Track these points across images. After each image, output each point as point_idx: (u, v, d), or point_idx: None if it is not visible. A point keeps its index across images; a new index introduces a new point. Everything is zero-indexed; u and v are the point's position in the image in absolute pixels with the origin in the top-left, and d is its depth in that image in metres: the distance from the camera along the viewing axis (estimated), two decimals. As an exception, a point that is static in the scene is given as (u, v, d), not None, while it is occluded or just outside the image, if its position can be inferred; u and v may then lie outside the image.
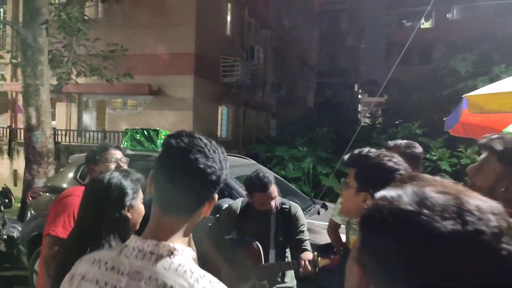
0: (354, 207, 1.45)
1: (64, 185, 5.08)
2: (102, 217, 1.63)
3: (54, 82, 8.75)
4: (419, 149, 2.44)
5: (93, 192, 1.74)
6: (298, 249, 2.68)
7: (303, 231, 2.74)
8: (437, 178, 0.63)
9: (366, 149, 1.48)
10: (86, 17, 9.41)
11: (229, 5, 15.67)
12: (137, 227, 1.71)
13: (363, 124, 13.84)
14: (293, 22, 23.45)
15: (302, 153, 9.42)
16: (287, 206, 2.77)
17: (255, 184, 2.55)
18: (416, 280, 0.52)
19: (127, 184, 1.70)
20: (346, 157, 1.54)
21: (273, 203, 2.62)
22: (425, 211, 0.53)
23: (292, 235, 2.72)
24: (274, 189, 2.61)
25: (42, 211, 4.71)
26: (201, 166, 0.97)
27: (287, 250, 2.81)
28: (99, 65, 9.40)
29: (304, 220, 2.82)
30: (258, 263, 2.53)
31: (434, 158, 8.63)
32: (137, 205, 1.70)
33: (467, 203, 0.53)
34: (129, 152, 4.82)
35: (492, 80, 9.72)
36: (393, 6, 30.42)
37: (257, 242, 2.56)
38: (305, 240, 2.71)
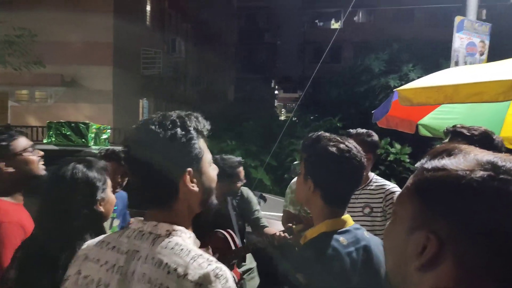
0: (302, 194, 1.40)
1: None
2: (71, 217, 1.46)
3: None
4: (376, 137, 2.64)
5: (55, 191, 1.52)
6: (257, 227, 2.80)
7: (257, 210, 2.88)
8: (474, 148, 0.68)
9: (317, 134, 1.41)
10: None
11: (148, -5, 15.09)
12: (109, 216, 1.61)
13: (284, 118, 14.35)
14: (213, 17, 23.35)
15: (231, 147, 9.50)
16: (239, 191, 2.88)
17: (225, 171, 2.53)
18: (501, 238, 0.57)
19: (94, 176, 1.54)
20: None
21: (240, 183, 2.73)
22: (503, 176, 0.58)
23: (247, 216, 2.82)
24: (242, 169, 2.73)
25: None
26: (159, 138, 0.98)
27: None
28: (3, 52, 8.35)
29: (256, 200, 2.97)
30: (229, 249, 2.51)
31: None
32: (107, 195, 1.58)
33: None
34: (54, 148, 4.41)
35: (401, 77, 10.88)
36: (307, 6, 31.90)
37: (220, 230, 2.54)
38: (261, 218, 2.85)
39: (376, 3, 26.47)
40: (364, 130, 2.65)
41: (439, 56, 9.77)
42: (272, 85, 42.25)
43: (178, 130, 0.99)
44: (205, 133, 1.06)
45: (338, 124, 10.06)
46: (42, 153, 1.94)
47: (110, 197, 1.60)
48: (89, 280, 1.00)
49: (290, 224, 2.55)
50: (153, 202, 1.03)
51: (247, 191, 2.94)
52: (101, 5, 11.90)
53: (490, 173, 0.59)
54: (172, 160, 0.99)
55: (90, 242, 1.08)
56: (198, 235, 1.08)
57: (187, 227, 1.03)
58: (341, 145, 1.32)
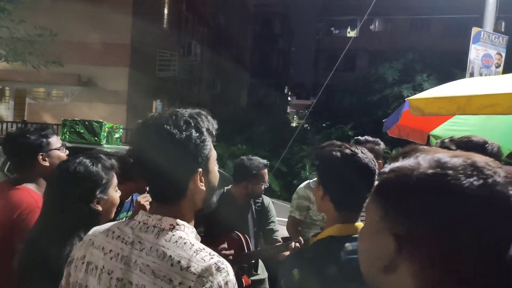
0: (317, 200, 1.42)
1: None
2: (64, 209, 1.48)
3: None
4: (383, 146, 2.66)
5: (55, 181, 1.56)
6: (269, 239, 2.77)
7: (274, 222, 2.85)
8: (433, 148, 0.69)
9: (362, 140, 1.50)
10: (9, -4, 8.53)
11: (166, -2, 15.30)
12: (109, 217, 1.59)
13: (295, 125, 14.34)
14: (229, 21, 23.54)
15: (241, 151, 9.52)
16: (260, 198, 2.86)
17: (250, 172, 2.56)
18: (452, 233, 0.57)
19: (96, 172, 1.53)
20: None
21: (264, 185, 2.73)
22: (450, 172, 0.59)
23: (263, 225, 2.80)
24: (266, 172, 2.73)
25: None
26: (174, 139, 0.99)
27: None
28: (24, 50, 8.56)
29: (274, 211, 2.92)
30: (241, 252, 2.53)
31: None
32: (109, 195, 1.57)
33: (478, 162, 0.60)
34: (68, 144, 4.50)
35: (415, 87, 10.80)
36: (323, 14, 31.91)
37: (236, 232, 2.56)
38: (276, 231, 2.82)
39: (393, 12, 26.36)
40: (372, 139, 2.67)
41: (454, 67, 9.68)
42: (285, 91, 42.29)
43: (193, 132, 1.01)
44: (214, 133, 1.08)
45: (350, 132, 10.03)
46: (67, 152, 2.07)
47: (112, 197, 1.59)
48: (93, 266, 1.04)
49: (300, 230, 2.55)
50: (162, 198, 1.06)
51: (268, 201, 2.93)
52: (120, 7, 12.12)
53: (434, 170, 0.60)
54: (185, 160, 1.02)
55: (97, 228, 1.12)
56: (214, 231, 1.10)
57: (189, 222, 1.06)
58: (346, 150, 1.34)
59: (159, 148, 1.00)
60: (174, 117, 1.03)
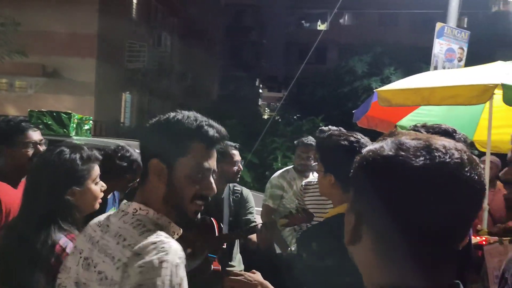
0: (324, 189, 1.59)
1: None
2: (37, 199, 1.49)
3: None
4: None
5: (32, 171, 1.59)
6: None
7: (252, 213, 2.90)
8: (413, 132, 0.74)
9: (326, 130, 1.64)
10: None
11: (135, -13, 14.96)
12: (89, 210, 1.59)
13: (267, 117, 14.44)
14: (200, 12, 23.26)
15: (214, 144, 9.54)
16: (239, 189, 2.90)
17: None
18: (401, 210, 0.63)
19: (71, 162, 1.53)
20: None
21: (240, 166, 2.76)
22: (401, 152, 0.64)
23: (241, 216, 2.84)
24: (237, 153, 2.75)
25: None
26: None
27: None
28: (-16, 39, 8.20)
29: (253, 203, 2.97)
30: (212, 235, 2.54)
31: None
32: (86, 187, 1.56)
33: (435, 144, 0.65)
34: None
35: (383, 80, 11.14)
36: (294, 7, 32.10)
37: (209, 217, 2.57)
38: (252, 221, 2.85)
39: (362, 7, 26.85)
40: (336, 128, 2.78)
41: (419, 61, 10.03)
42: (257, 83, 42.33)
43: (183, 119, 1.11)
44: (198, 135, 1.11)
45: (321, 124, 10.20)
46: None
47: (90, 189, 1.58)
48: (77, 250, 1.13)
49: (273, 218, 2.61)
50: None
51: (247, 192, 2.97)
52: (87, -4, 11.79)
53: (391, 152, 0.65)
54: (146, 145, 1.13)
55: (94, 219, 1.18)
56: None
57: (160, 211, 1.07)
58: (351, 138, 1.52)
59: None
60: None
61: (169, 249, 0.96)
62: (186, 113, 1.11)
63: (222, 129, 1.15)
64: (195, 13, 22.45)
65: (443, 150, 0.63)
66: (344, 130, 3.00)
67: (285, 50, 33.67)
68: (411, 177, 0.62)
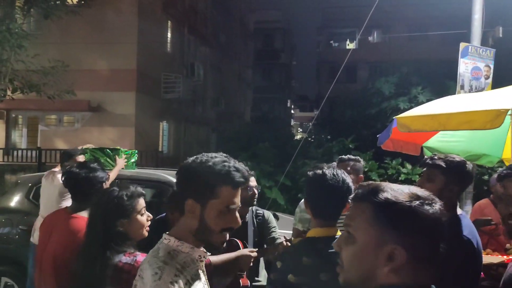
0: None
1: (13, 206, 4.98)
2: (95, 229, 1.86)
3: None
4: (362, 162, 3.09)
5: (92, 206, 2.01)
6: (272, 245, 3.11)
7: (275, 231, 3.23)
8: (387, 183, 1.03)
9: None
10: (24, 32, 9.09)
11: (169, 23, 15.86)
12: (139, 237, 1.93)
13: (298, 138, 14.70)
14: (229, 40, 24.14)
15: (247, 167, 9.83)
16: (261, 212, 3.24)
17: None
18: (419, 240, 0.93)
19: (118, 199, 1.88)
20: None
21: (256, 190, 3.05)
22: (416, 202, 0.94)
23: (265, 236, 3.16)
24: (254, 179, 3.07)
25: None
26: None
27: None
28: (38, 81, 9.08)
29: (275, 223, 3.29)
30: None
31: (365, 169, 9.56)
32: (133, 219, 1.91)
33: (421, 195, 0.96)
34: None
35: (411, 100, 11.17)
36: (322, 27, 32.51)
37: (235, 239, 2.87)
38: (277, 238, 3.16)
39: (390, 24, 26.85)
40: (354, 157, 3.08)
41: (448, 78, 10.01)
42: (288, 104, 42.70)
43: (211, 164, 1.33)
44: (235, 179, 1.32)
45: (350, 145, 10.33)
46: None
47: (138, 221, 1.92)
48: None
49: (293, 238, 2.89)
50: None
51: (268, 214, 3.28)
52: (126, 35, 12.70)
53: (419, 201, 0.94)
54: (183, 185, 1.37)
55: None
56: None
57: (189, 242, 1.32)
58: (317, 171, 1.72)
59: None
60: (212, 156, 1.36)
61: (163, 274, 1.21)
62: (216, 158, 1.32)
63: (246, 171, 1.35)
64: (226, 41, 23.34)
65: (432, 199, 0.96)
66: (360, 159, 3.27)
67: (315, 70, 33.97)
68: (427, 219, 0.93)
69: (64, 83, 9.55)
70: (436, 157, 2.21)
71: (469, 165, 2.19)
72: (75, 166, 2.46)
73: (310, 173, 1.76)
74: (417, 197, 0.95)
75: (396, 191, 0.97)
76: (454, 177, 2.04)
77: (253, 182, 3.08)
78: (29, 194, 4.98)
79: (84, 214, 2.29)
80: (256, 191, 3.11)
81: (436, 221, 0.94)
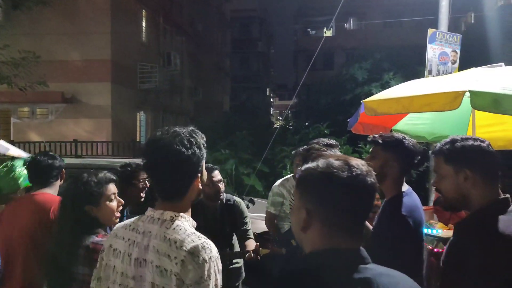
0: None
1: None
2: (66, 215, 1.92)
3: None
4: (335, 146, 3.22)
5: (62, 194, 2.09)
6: (243, 237, 3.17)
7: (246, 222, 3.23)
8: (332, 153, 1.18)
9: (308, 146, 1.94)
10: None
11: (143, 12, 15.62)
12: (109, 223, 1.99)
13: (277, 126, 14.89)
14: (206, 29, 23.93)
15: (225, 156, 9.94)
16: (231, 201, 3.22)
17: None
18: (334, 205, 1.03)
19: (85, 185, 1.93)
20: None
21: (221, 185, 3.06)
22: (334, 169, 1.05)
23: (237, 225, 3.19)
24: (218, 173, 3.09)
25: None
26: (183, 156, 1.35)
27: (233, 238, 3.28)
28: (9, 73, 8.87)
29: (247, 212, 3.29)
30: None
31: (341, 153, 9.77)
32: (102, 204, 1.94)
33: (351, 162, 1.07)
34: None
35: (383, 85, 11.41)
36: (299, 15, 32.55)
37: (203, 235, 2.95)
38: (248, 230, 3.21)
39: (366, 11, 27.13)
40: (327, 142, 3.21)
41: (419, 64, 10.29)
42: (267, 93, 42.80)
43: (195, 148, 1.38)
44: (204, 145, 1.44)
45: (326, 131, 10.54)
46: None
47: (106, 205, 1.96)
48: (118, 251, 1.43)
49: (258, 244, 2.95)
50: (169, 198, 1.41)
51: (239, 203, 3.26)
52: (99, 24, 12.48)
53: (325, 169, 1.06)
54: (190, 170, 1.39)
55: (118, 224, 1.52)
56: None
57: (187, 212, 1.43)
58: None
59: (171, 163, 1.36)
60: (179, 137, 1.37)
61: (211, 247, 1.33)
62: (180, 133, 1.39)
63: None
64: (202, 30, 23.14)
65: (357, 167, 1.05)
66: (333, 141, 3.40)
67: (293, 58, 34.07)
68: (340, 184, 1.02)
69: (36, 75, 9.35)
70: (377, 135, 2.27)
71: (409, 142, 2.21)
72: (37, 154, 2.63)
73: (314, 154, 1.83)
74: (327, 164, 1.06)
75: (324, 162, 1.08)
76: (393, 153, 2.08)
77: (216, 176, 3.07)
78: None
79: (46, 191, 2.43)
80: (221, 186, 3.09)
81: (350, 189, 1.02)
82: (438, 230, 4.17)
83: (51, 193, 2.45)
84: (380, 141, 2.13)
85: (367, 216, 1.09)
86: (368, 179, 1.04)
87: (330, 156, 1.14)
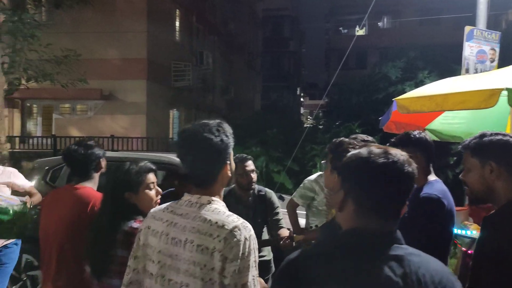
0: (330, 182, 2.03)
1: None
2: (108, 200, 2.04)
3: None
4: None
5: (105, 180, 2.19)
6: (275, 227, 3.24)
7: (278, 212, 3.30)
8: (375, 144, 1.25)
9: (339, 139, 2.08)
10: (36, 22, 9.34)
11: (177, 12, 15.99)
12: (148, 209, 2.00)
13: (308, 125, 14.88)
14: (238, 28, 24.16)
15: (255, 153, 10.05)
16: (263, 192, 3.32)
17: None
18: (368, 188, 1.12)
19: (126, 173, 2.04)
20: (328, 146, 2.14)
21: (253, 175, 3.15)
22: (372, 155, 1.14)
23: (268, 216, 3.27)
24: (251, 163, 3.17)
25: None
26: (211, 142, 1.44)
27: (264, 229, 3.36)
28: (52, 70, 9.36)
29: (278, 203, 3.38)
30: None
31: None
32: (140, 192, 2.04)
33: (389, 151, 1.15)
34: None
35: (417, 84, 11.14)
36: (331, 14, 32.25)
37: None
38: (280, 219, 3.28)
39: (400, 9, 26.51)
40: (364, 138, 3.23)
41: (455, 63, 10.01)
42: (298, 92, 42.61)
43: (223, 136, 1.47)
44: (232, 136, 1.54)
45: (357, 130, 10.42)
46: None
47: (144, 194, 2.06)
48: (155, 231, 1.51)
49: (291, 230, 3.04)
50: (201, 184, 1.50)
51: (270, 194, 3.35)
52: (136, 24, 12.91)
53: (364, 155, 1.16)
54: (220, 156, 1.48)
55: (156, 207, 1.62)
56: None
57: (219, 197, 1.53)
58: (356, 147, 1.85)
59: (200, 148, 1.46)
60: (207, 126, 1.47)
61: (248, 226, 1.43)
62: (208, 123, 1.49)
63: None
64: (234, 29, 23.38)
65: (394, 154, 1.14)
66: (370, 138, 3.42)
67: (325, 57, 33.79)
68: (377, 168, 1.12)
69: (77, 72, 9.82)
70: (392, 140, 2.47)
71: (416, 135, 2.40)
72: (73, 144, 2.59)
73: (350, 149, 1.84)
74: (368, 152, 1.15)
75: (365, 149, 1.18)
76: (412, 147, 2.19)
77: (250, 166, 3.15)
78: (45, 176, 5.24)
79: (87, 184, 2.45)
80: (253, 176, 3.17)
81: (384, 174, 1.10)
82: (473, 231, 4.09)
83: (91, 186, 2.46)
84: (395, 142, 2.23)
85: (403, 201, 1.15)
86: (406, 167, 1.12)
87: (373, 145, 1.23)
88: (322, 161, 3.39)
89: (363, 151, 1.17)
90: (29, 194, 3.66)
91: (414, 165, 1.15)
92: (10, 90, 8.70)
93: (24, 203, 3.21)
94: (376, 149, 1.16)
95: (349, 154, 1.22)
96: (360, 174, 1.14)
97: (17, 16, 8.23)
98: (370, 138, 3.44)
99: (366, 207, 1.13)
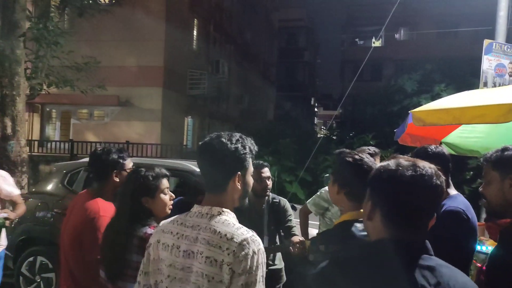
0: (332, 195, 1.94)
1: (49, 190, 5.34)
2: (123, 205, 2.07)
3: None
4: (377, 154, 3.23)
5: (122, 186, 2.23)
6: (288, 234, 3.27)
7: (291, 220, 3.36)
8: (404, 156, 1.26)
9: (339, 150, 2.00)
10: (60, 30, 9.61)
11: (195, 21, 16.23)
12: (162, 214, 2.10)
13: (321, 136, 14.85)
14: (254, 38, 24.37)
15: (268, 162, 10.02)
16: (277, 200, 3.37)
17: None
18: (395, 200, 1.13)
19: (144, 178, 2.08)
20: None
21: (269, 182, 3.19)
22: (400, 168, 1.15)
23: (281, 223, 3.31)
24: (267, 170, 3.22)
25: (28, 216, 4.85)
26: (226, 147, 1.45)
27: (277, 236, 3.39)
28: (72, 77, 9.59)
29: (291, 211, 3.43)
30: None
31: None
32: (156, 197, 2.09)
33: (418, 163, 1.16)
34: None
35: (433, 97, 11.03)
36: (347, 25, 32.26)
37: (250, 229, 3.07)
38: (293, 227, 3.31)
39: (417, 21, 26.39)
40: (371, 149, 3.23)
41: (473, 76, 9.90)
42: (312, 102, 42.57)
43: (239, 146, 1.47)
44: (254, 153, 1.52)
45: (371, 142, 10.37)
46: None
47: (160, 198, 2.10)
48: (166, 245, 1.49)
49: (303, 239, 3.03)
50: (211, 189, 1.49)
51: (285, 202, 3.40)
52: (154, 34, 13.16)
53: (392, 168, 1.16)
54: (231, 163, 1.46)
55: (165, 221, 1.58)
56: None
57: (231, 210, 1.51)
58: (356, 156, 1.85)
59: (214, 151, 1.46)
60: (229, 135, 1.50)
61: (258, 240, 1.42)
62: (232, 133, 1.52)
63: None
64: (250, 39, 23.59)
65: (422, 167, 1.15)
66: (376, 150, 3.42)
67: (340, 68, 33.73)
68: (405, 181, 1.13)
69: (96, 79, 10.03)
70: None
71: (433, 149, 2.43)
72: (98, 149, 2.60)
73: (346, 158, 1.84)
74: (395, 164, 1.16)
75: (394, 161, 1.19)
76: (434, 160, 2.12)
77: (266, 173, 3.20)
78: (64, 180, 5.32)
79: (106, 189, 2.46)
80: (268, 183, 3.21)
81: (412, 187, 1.11)
82: (488, 247, 4.02)
83: (108, 191, 2.45)
84: (412, 156, 2.21)
85: (431, 213, 1.16)
86: (434, 180, 1.13)
87: (401, 157, 1.23)
88: (326, 175, 3.39)
89: (392, 163, 1.18)
90: (15, 203, 3.50)
91: (442, 178, 1.16)
92: (32, 95, 8.93)
93: (3, 220, 3.17)
94: (404, 161, 1.17)
95: (378, 166, 1.22)
96: (388, 187, 1.15)
97: (42, 24, 8.48)
98: (376, 150, 3.44)
99: (396, 219, 1.14)
